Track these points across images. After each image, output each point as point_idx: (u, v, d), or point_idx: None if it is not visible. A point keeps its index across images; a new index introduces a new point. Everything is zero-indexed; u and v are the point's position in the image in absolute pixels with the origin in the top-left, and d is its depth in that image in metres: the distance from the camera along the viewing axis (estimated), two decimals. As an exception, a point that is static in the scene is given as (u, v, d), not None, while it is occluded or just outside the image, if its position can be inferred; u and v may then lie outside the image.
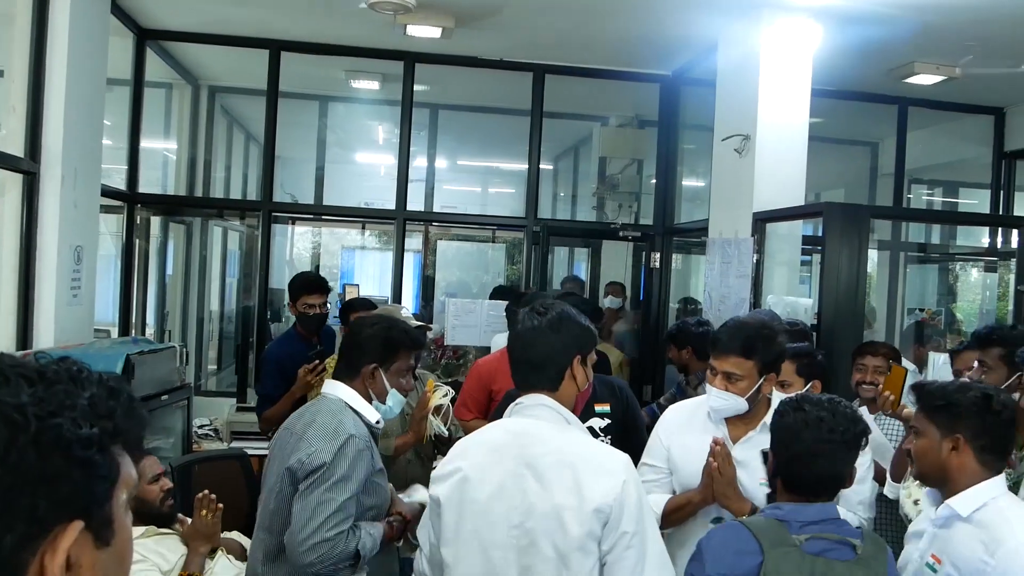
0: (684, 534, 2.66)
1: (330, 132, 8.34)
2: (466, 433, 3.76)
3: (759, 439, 2.59)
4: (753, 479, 2.57)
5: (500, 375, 3.97)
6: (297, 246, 10.52)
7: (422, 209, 7.72)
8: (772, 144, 5.22)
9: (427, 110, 7.80)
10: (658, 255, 6.85)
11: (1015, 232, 7.49)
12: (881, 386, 3.30)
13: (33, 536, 0.78)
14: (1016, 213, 7.26)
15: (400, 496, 2.84)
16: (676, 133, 7.09)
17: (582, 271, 9.22)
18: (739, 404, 2.63)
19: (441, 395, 3.57)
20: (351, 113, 8.81)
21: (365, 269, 11.03)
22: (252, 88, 7.22)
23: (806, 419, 2.10)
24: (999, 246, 7.35)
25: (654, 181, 7.22)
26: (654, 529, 2.06)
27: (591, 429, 3.02)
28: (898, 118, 7.10)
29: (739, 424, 2.70)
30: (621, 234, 6.96)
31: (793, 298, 4.97)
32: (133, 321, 6.55)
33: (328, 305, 4.70)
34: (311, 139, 8.05)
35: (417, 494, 2.86)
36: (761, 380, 2.62)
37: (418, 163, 7.71)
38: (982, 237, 8.69)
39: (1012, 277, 7.43)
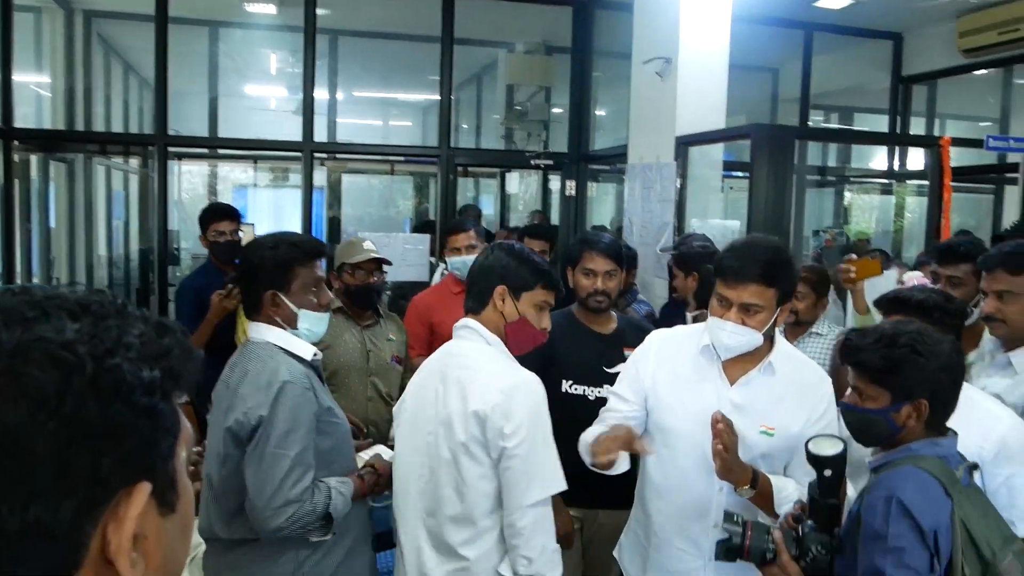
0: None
1: (223, 61, 7.84)
2: (413, 371, 3.68)
3: (761, 381, 2.29)
4: (753, 427, 2.25)
5: (437, 308, 3.86)
6: (186, 185, 9.96)
7: (325, 141, 7.38)
8: (694, 67, 5.16)
9: (327, 37, 7.41)
10: (573, 183, 6.77)
11: (911, 154, 7.79)
12: (856, 272, 3.44)
13: (95, 503, 0.63)
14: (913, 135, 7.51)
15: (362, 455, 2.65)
16: (590, 58, 6.96)
17: (489, 202, 9.10)
18: (755, 340, 2.24)
19: None
20: (245, 40, 8.30)
21: (259, 208, 10.56)
22: (132, 13, 6.67)
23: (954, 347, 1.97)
24: (896, 168, 7.60)
25: (558, 110, 7.11)
26: (547, 451, 2.18)
27: (618, 373, 2.79)
28: (804, 43, 7.18)
29: (737, 364, 2.31)
30: (534, 162, 6.84)
31: (719, 221, 4.98)
32: (17, 269, 6.06)
33: (240, 233, 4.48)
34: (201, 70, 7.55)
35: (385, 455, 2.64)
36: (778, 312, 2.25)
37: (319, 95, 7.35)
38: (872, 160, 9.00)
39: (909, 199, 7.74)
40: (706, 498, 2.28)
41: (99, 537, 0.63)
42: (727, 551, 2.01)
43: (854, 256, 3.61)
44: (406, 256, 6.01)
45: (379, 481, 2.45)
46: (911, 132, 7.50)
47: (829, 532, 1.97)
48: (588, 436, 2.35)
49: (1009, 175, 7.30)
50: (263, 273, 2.37)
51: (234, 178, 10.80)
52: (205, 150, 8.02)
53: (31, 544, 0.60)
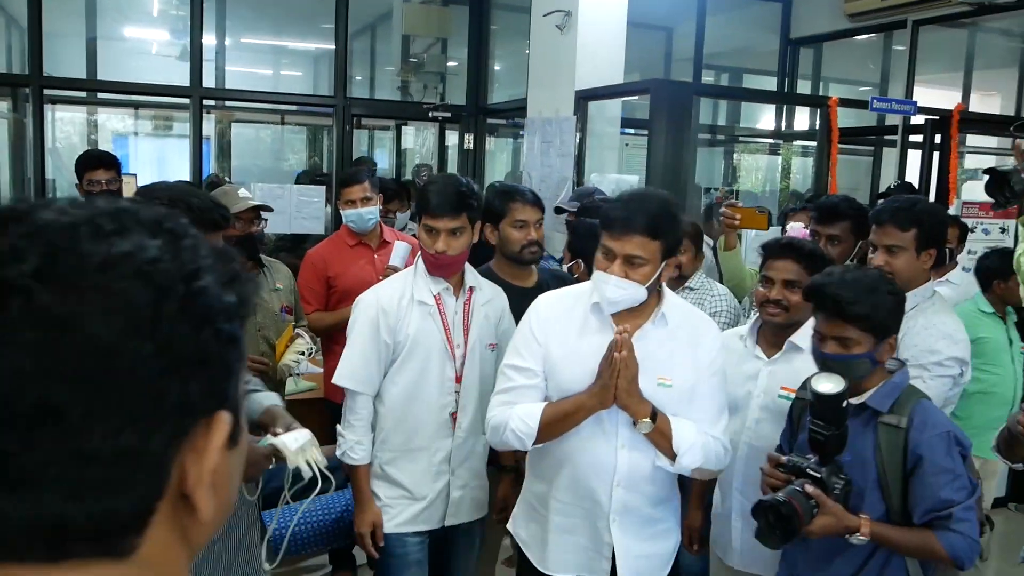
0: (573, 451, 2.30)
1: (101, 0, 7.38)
2: (311, 327, 3.59)
3: (655, 333, 2.27)
4: (651, 380, 2.22)
5: (333, 262, 3.78)
6: (60, 134, 9.40)
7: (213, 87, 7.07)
8: (594, 21, 5.18)
9: (213, -22, 7.07)
10: (471, 136, 6.71)
11: (797, 116, 8.04)
12: (739, 220, 3.47)
13: (182, 432, 0.60)
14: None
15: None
16: (488, 10, 6.88)
17: (384, 157, 8.94)
18: (639, 294, 2.21)
19: (295, 352, 3.29)
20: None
21: (141, 159, 10.07)
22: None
23: None
24: (783, 129, 7.84)
25: (455, 63, 7.01)
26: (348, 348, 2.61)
27: None
28: (698, 3, 7.29)
29: (627, 319, 2.26)
30: (432, 115, 6.74)
31: (618, 175, 5.04)
32: None
33: (118, 182, 4.25)
34: (77, 7, 7.09)
35: (288, 435, 2.20)
36: (663, 266, 2.23)
37: (206, 40, 7.01)
38: (759, 121, 9.27)
39: (795, 159, 8.01)
40: (608, 456, 2.28)
41: (178, 469, 0.60)
42: (785, 534, 2.04)
43: (740, 203, 3.62)
44: (301, 208, 5.87)
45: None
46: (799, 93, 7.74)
47: (836, 463, 2.14)
48: (531, 414, 2.26)
49: (887, 137, 7.65)
50: None
51: (112, 126, 10.25)
52: (83, 94, 7.56)
53: (121, 471, 0.57)
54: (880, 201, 5.76)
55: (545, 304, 2.39)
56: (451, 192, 2.60)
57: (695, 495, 2.82)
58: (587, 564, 2.36)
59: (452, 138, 7.44)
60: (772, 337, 2.64)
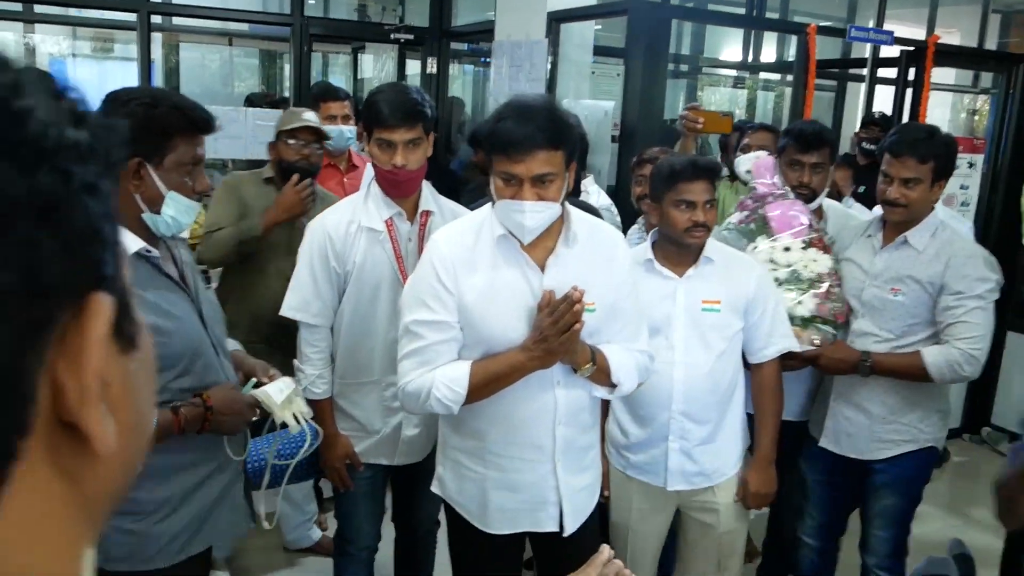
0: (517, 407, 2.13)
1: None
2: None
3: (568, 255, 2.10)
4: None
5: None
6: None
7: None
8: (568, -62, 4.94)
9: None
10: (435, 60, 6.45)
11: (764, 49, 7.90)
12: (702, 124, 3.34)
13: (38, 328, 0.41)
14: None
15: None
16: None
17: (340, 83, 8.59)
18: (555, 212, 2.04)
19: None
20: None
21: (81, 84, 9.53)
22: None
23: None
24: (749, 60, 7.70)
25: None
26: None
27: None
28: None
29: (536, 244, 2.08)
30: (394, 36, 6.45)
31: (591, 102, 4.88)
32: None
33: None
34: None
35: (271, 386, 2.09)
36: (567, 175, 2.06)
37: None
38: (722, 52, 9.11)
39: (761, 93, 7.89)
40: (546, 398, 2.13)
41: (47, 387, 0.42)
42: None
43: (701, 106, 3.46)
44: (257, 134, 5.60)
45: (210, 418, 1.92)
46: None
47: None
48: (459, 375, 2.05)
49: (853, 71, 7.57)
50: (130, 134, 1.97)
51: (48, 49, 9.69)
52: (18, 7, 7.09)
53: None
54: (862, 131, 5.72)
55: (445, 243, 2.10)
56: (403, 100, 2.39)
57: (764, 450, 2.66)
58: (532, 515, 2.22)
59: (413, 67, 7.13)
60: (677, 257, 2.55)
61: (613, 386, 2.16)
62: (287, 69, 7.48)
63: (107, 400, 0.44)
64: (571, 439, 2.19)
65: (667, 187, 2.48)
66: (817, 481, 2.99)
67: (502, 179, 2.00)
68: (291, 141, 3.18)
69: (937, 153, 2.66)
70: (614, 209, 3.63)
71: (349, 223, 2.47)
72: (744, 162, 3.22)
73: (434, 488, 2.34)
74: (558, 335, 1.97)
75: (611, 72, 5.67)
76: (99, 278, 0.44)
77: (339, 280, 2.48)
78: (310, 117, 3.28)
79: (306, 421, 2.14)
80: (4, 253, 0.38)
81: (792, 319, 2.65)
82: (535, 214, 1.99)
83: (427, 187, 2.57)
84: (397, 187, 2.45)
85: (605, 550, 1.52)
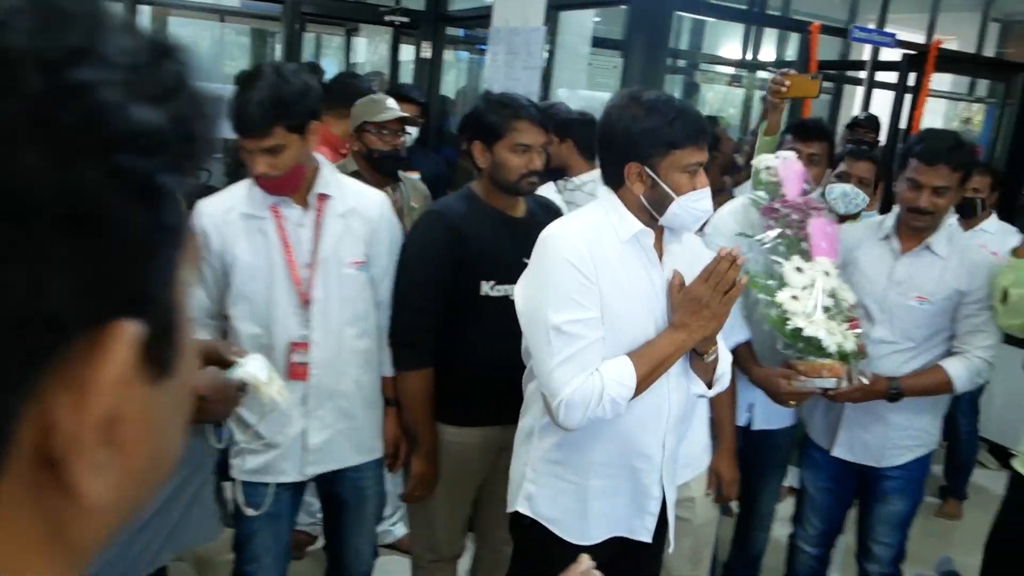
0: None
1: None
2: None
3: (675, 249, 2.09)
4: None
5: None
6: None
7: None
8: (570, -76, 4.85)
9: None
10: (430, 44, 6.33)
11: (763, 48, 7.82)
12: (788, 87, 3.06)
13: (32, 358, 0.32)
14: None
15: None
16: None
17: (333, 67, 8.46)
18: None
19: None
20: None
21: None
22: None
23: None
24: (748, 58, 7.62)
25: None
26: None
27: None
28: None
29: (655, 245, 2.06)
30: (387, 19, 6.33)
31: (589, 92, 4.79)
32: None
33: None
34: None
35: (250, 364, 1.96)
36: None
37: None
38: (720, 49, 9.04)
39: (761, 93, 7.81)
40: (661, 403, 2.04)
41: (36, 423, 0.33)
42: None
43: (792, 71, 3.26)
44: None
45: (202, 408, 1.79)
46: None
47: None
48: (625, 371, 1.92)
49: (850, 73, 7.51)
50: None
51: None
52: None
53: None
54: (850, 132, 5.66)
55: (575, 238, 1.95)
56: (257, 103, 2.09)
57: (728, 440, 2.67)
58: (628, 522, 2.13)
59: (407, 53, 7.01)
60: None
61: (710, 384, 2.10)
62: (278, 49, 7.33)
63: (114, 442, 0.36)
64: (674, 448, 2.12)
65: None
66: (820, 489, 2.96)
67: (689, 171, 1.95)
68: (384, 132, 3.13)
69: (966, 162, 2.63)
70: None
71: (228, 211, 2.24)
72: (834, 190, 3.06)
73: (521, 508, 2.12)
74: (720, 296, 1.91)
75: (608, 64, 5.58)
76: (132, 302, 0.35)
77: (217, 273, 2.25)
78: (395, 105, 3.20)
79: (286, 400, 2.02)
80: (5, 268, 0.30)
81: (835, 352, 2.46)
82: (705, 200, 1.99)
83: (327, 168, 2.35)
84: (273, 190, 2.24)
85: (584, 559, 1.44)
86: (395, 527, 3.57)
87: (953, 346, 2.68)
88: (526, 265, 2.40)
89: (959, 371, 2.62)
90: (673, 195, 1.93)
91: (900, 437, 2.77)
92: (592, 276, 1.91)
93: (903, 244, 2.72)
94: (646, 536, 2.14)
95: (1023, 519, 2.62)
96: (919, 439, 2.80)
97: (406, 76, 6.76)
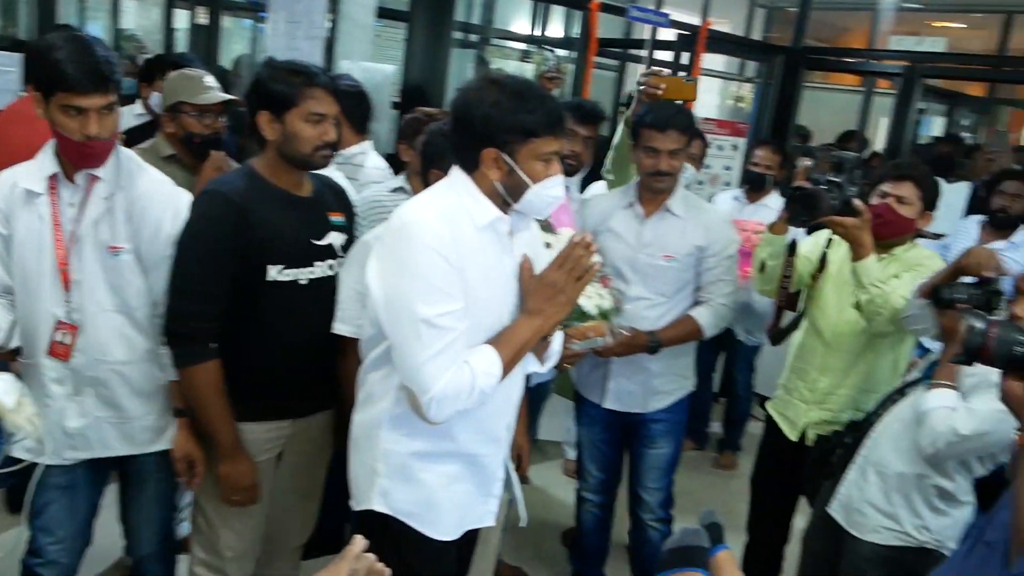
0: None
1: None
2: None
3: (524, 234, 2.07)
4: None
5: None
6: None
7: None
8: None
9: None
10: (206, 10, 5.98)
11: (553, 22, 7.98)
12: (664, 89, 3.13)
13: None
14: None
15: None
16: None
17: (98, 31, 7.82)
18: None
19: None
20: None
21: None
22: None
23: None
24: (540, 33, 7.73)
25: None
26: None
27: (330, 247, 2.35)
28: None
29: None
30: (159, -16, 5.92)
31: (372, 64, 4.66)
32: None
33: None
34: None
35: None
36: None
37: None
38: (511, 25, 9.14)
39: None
40: (509, 383, 2.01)
41: None
42: (967, 352, 1.78)
43: (667, 72, 3.24)
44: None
45: None
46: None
47: None
48: (490, 361, 1.88)
49: (633, 52, 7.81)
50: None
51: None
52: None
53: None
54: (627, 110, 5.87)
55: (439, 223, 1.85)
56: (95, 61, 2.00)
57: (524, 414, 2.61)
58: (476, 511, 2.10)
59: (182, 19, 6.59)
60: None
61: (543, 362, 2.09)
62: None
63: None
64: (513, 429, 2.13)
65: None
66: (596, 441, 3.14)
67: (545, 160, 1.89)
68: (205, 115, 2.84)
69: (690, 125, 2.85)
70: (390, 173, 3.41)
71: (13, 185, 2.13)
72: None
73: (376, 505, 2.02)
74: (574, 281, 1.92)
75: (395, 36, 5.48)
76: None
77: (2, 249, 2.15)
78: (215, 84, 2.87)
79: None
80: None
81: (599, 314, 2.56)
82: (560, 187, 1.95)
83: (119, 151, 2.23)
84: (88, 159, 2.11)
85: (358, 541, 1.39)
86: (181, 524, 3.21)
87: (699, 296, 2.92)
88: (316, 248, 2.33)
89: (706, 318, 2.88)
90: (530, 183, 1.88)
91: (661, 383, 2.99)
92: (456, 263, 1.84)
93: (646, 209, 2.91)
94: (491, 520, 2.13)
95: (775, 452, 2.98)
96: (677, 382, 3.03)
97: (181, 46, 6.36)
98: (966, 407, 2.18)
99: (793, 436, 2.88)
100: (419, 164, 2.52)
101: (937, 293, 2.33)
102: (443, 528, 2.05)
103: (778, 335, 3.27)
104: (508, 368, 1.90)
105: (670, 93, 3.14)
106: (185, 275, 2.20)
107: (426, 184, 2.29)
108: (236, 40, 7.18)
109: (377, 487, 2.01)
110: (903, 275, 2.63)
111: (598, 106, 3.31)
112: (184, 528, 2.92)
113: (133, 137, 2.88)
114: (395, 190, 2.79)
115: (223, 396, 2.24)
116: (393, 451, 2.00)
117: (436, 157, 2.39)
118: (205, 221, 2.20)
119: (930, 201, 2.74)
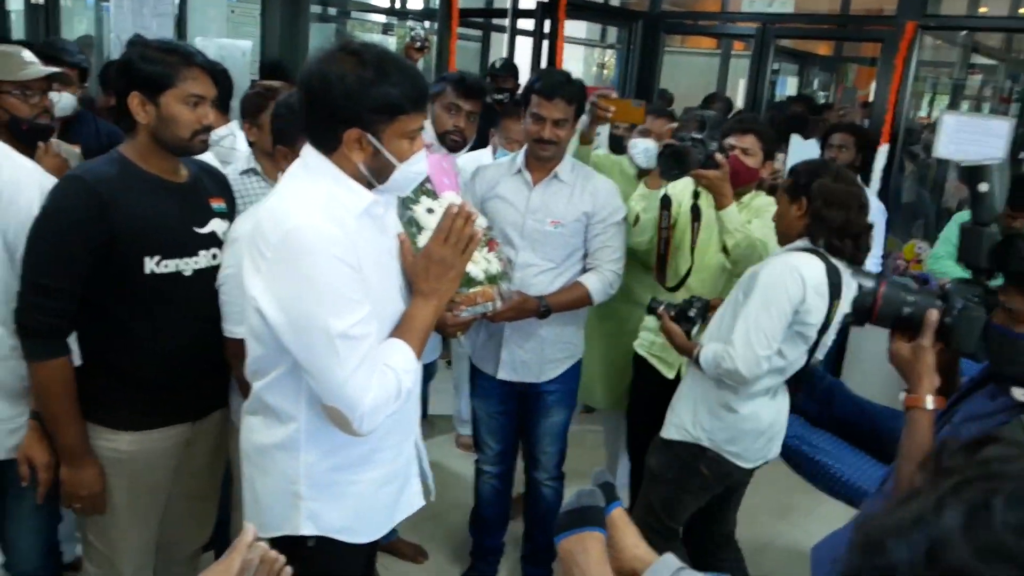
0: None
1: None
2: None
3: (392, 213, 2.07)
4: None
5: None
6: None
7: None
8: None
9: None
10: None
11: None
12: (613, 112, 3.14)
13: None
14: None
15: None
16: None
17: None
18: None
19: None
20: None
21: None
22: None
23: None
24: (400, 6, 7.61)
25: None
26: None
27: (213, 235, 2.23)
28: None
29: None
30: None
31: (229, 40, 4.50)
32: None
33: None
34: None
35: None
36: None
37: None
38: None
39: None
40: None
41: None
42: (856, 312, 1.71)
43: (615, 95, 3.26)
44: None
45: None
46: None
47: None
48: (403, 356, 1.80)
49: (496, 22, 7.79)
50: None
51: None
52: None
53: None
54: (492, 80, 5.87)
55: (328, 224, 1.70)
56: None
57: None
58: (404, 500, 2.03)
59: (15, 1, 6.15)
60: None
61: None
62: None
63: None
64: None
65: None
66: (492, 414, 3.18)
67: (410, 137, 1.77)
68: (28, 93, 2.48)
69: (579, 96, 2.86)
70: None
71: None
72: (638, 144, 3.22)
73: (306, 530, 1.87)
74: (460, 254, 1.84)
75: (252, 11, 5.28)
76: None
77: None
78: (34, 59, 2.50)
79: None
80: None
81: (487, 279, 2.53)
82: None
83: None
84: None
85: (250, 530, 1.34)
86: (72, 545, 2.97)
87: (587, 263, 2.97)
88: (199, 236, 2.21)
89: (595, 284, 2.93)
90: (396, 163, 1.76)
91: (553, 351, 3.03)
92: (355, 264, 1.71)
93: (534, 176, 2.95)
94: (420, 501, 2.07)
95: (643, 387, 3.23)
96: (568, 350, 3.07)
97: (18, 28, 5.94)
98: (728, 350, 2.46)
99: (671, 375, 3.07)
100: (268, 143, 2.43)
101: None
102: (374, 530, 2.00)
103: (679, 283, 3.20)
104: (418, 356, 1.85)
105: (619, 116, 3.22)
106: (34, 266, 2.06)
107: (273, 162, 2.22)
108: (77, 20, 6.75)
109: (303, 511, 1.88)
110: (754, 220, 2.89)
111: (481, 80, 3.33)
112: (77, 549, 2.75)
113: None
114: (244, 172, 2.67)
115: (72, 395, 2.10)
116: (316, 470, 1.87)
117: (282, 134, 2.30)
118: (58, 210, 2.05)
119: (770, 152, 3.00)
